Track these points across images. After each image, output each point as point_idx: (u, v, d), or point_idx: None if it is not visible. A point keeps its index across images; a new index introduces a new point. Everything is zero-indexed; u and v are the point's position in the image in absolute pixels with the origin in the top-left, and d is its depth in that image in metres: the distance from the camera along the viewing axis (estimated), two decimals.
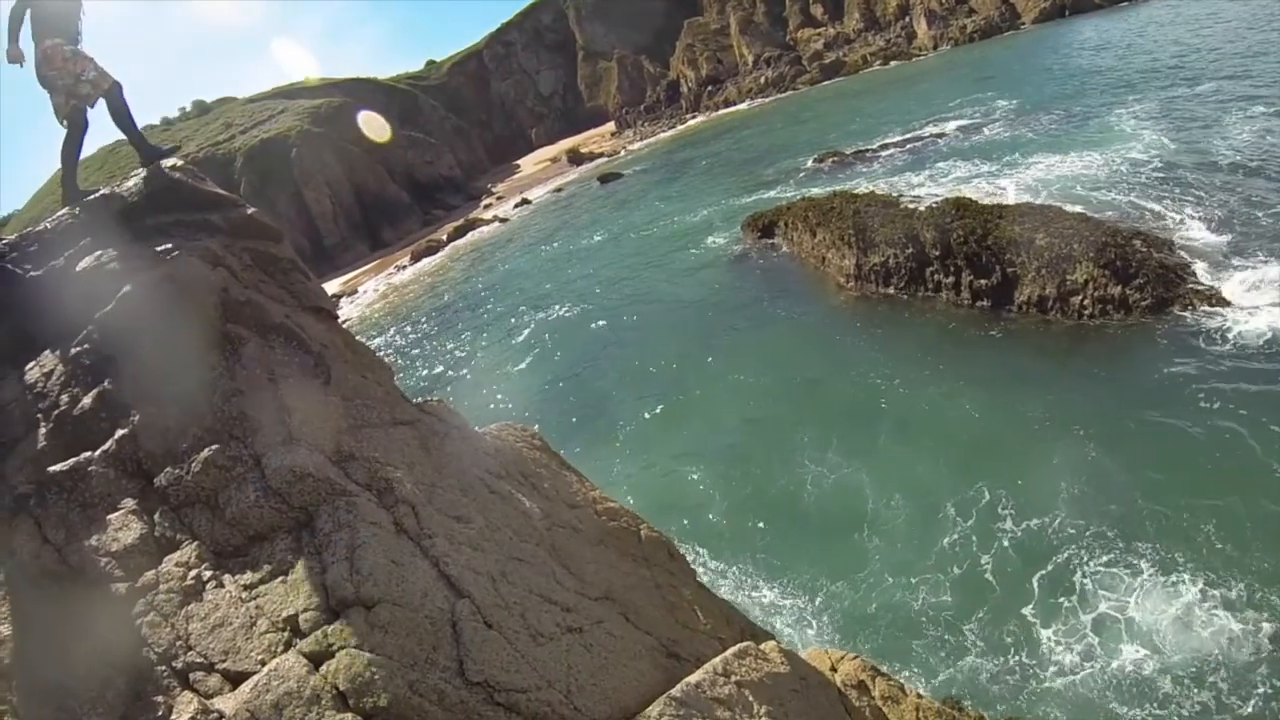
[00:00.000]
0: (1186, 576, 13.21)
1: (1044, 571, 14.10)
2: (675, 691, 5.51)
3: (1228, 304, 20.01)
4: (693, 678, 5.78)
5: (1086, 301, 21.77)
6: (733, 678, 5.94)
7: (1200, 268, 21.87)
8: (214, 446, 5.16)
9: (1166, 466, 15.55)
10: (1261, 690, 11.21)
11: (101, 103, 7.33)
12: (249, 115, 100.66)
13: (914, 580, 14.69)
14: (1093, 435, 16.91)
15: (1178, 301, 20.62)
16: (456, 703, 4.37)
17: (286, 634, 4.45)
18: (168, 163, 6.65)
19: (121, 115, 7.46)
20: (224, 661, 4.38)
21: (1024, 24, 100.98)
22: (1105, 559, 14.01)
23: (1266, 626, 11.99)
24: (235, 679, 4.32)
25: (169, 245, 5.92)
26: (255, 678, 4.23)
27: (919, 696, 9.24)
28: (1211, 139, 31.70)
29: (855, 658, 9.35)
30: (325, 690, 4.14)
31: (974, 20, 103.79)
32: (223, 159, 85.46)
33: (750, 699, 5.77)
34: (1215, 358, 18.15)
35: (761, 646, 6.66)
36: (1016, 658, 12.83)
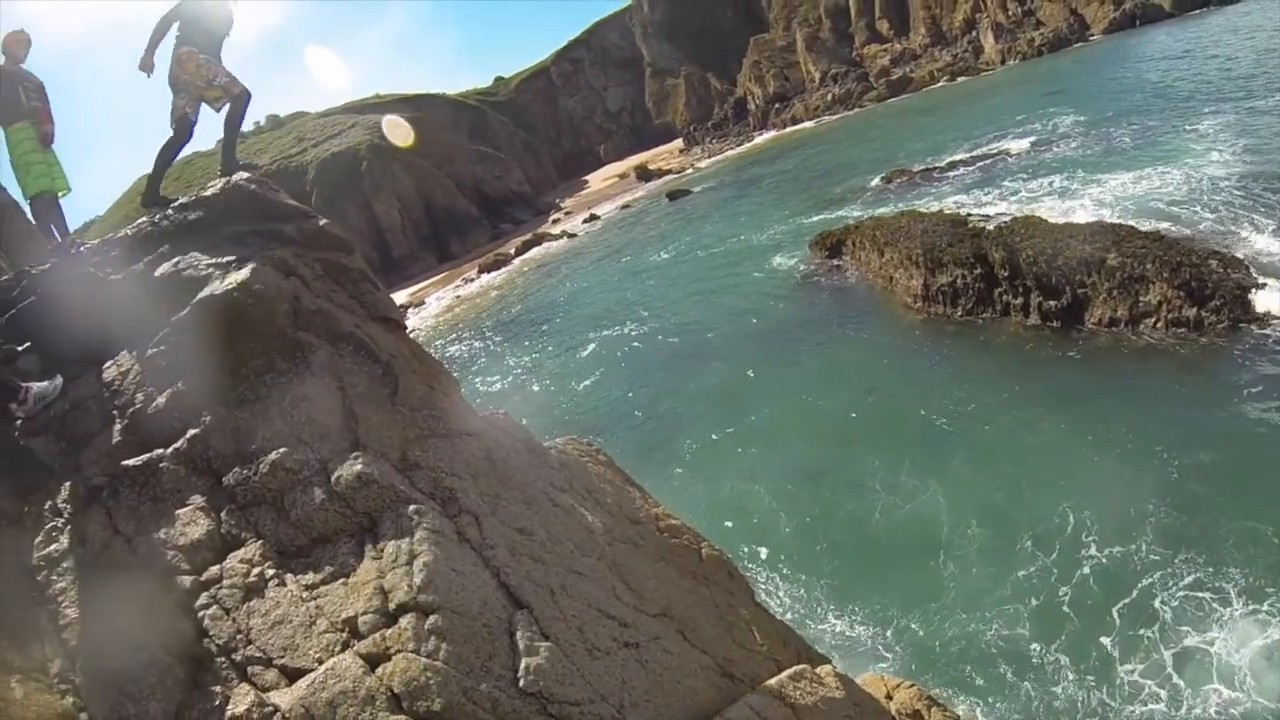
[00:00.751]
0: (1277, 608, 12.61)
1: (1126, 601, 13.53)
2: (730, 712, 5.46)
3: None
4: (747, 699, 5.72)
5: (1160, 324, 21.15)
6: (787, 700, 5.87)
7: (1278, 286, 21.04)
8: (282, 449, 5.28)
9: (1254, 490, 14.94)
10: None
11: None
12: (321, 129, 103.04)
13: (988, 611, 14.18)
14: (1176, 457, 16.29)
15: (1255, 321, 19.94)
16: (509, 711, 4.37)
17: (345, 635, 4.51)
18: (242, 175, 6.84)
19: (234, 121, 7.97)
20: (282, 657, 4.46)
21: (1093, 35, 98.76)
22: (1190, 588, 13.43)
23: None
24: (292, 675, 4.40)
25: (244, 254, 6.08)
26: (312, 675, 4.30)
27: None
28: None
29: (912, 685, 9.18)
30: (380, 691, 4.17)
31: (1041, 33, 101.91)
32: (295, 171, 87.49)
33: None
34: None
35: (817, 670, 6.57)
36: (1093, 694, 12.34)
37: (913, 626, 14.47)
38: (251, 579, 4.80)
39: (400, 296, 68.47)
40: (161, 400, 5.56)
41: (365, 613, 4.56)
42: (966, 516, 16.57)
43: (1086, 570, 14.40)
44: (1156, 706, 11.84)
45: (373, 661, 4.33)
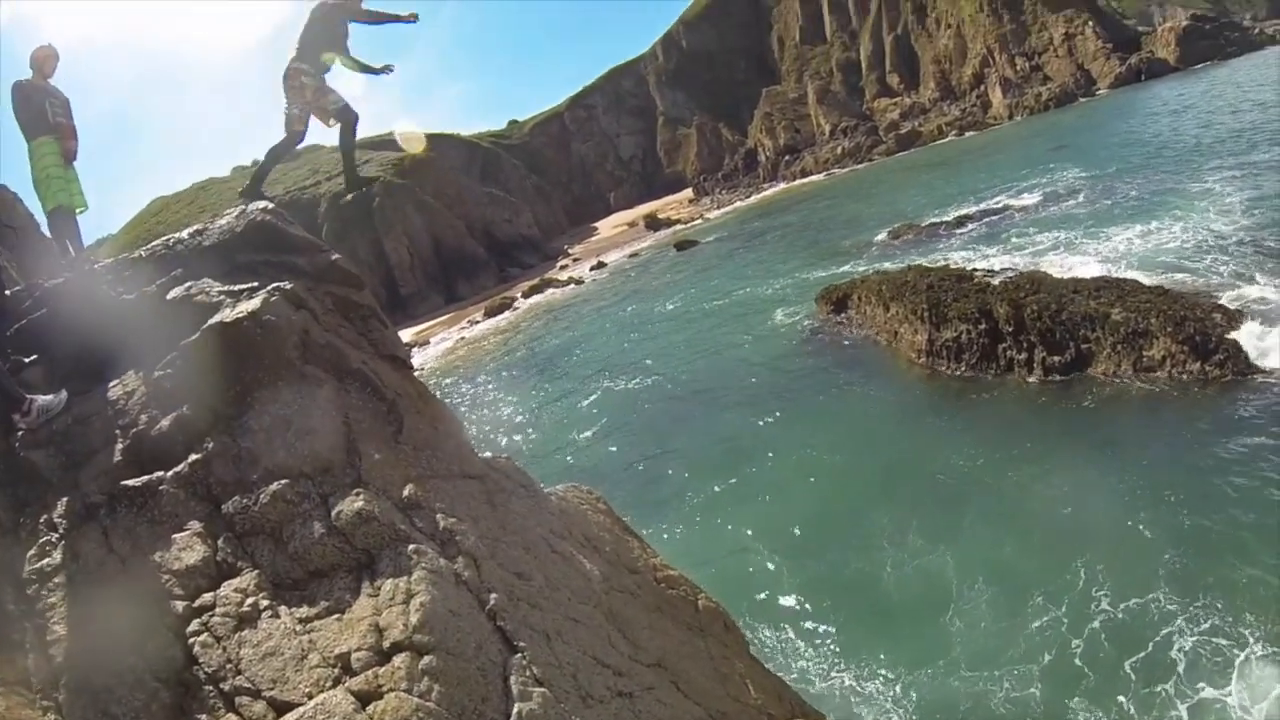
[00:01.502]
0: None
1: (1140, 655, 13.15)
2: None
3: None
4: None
5: (1163, 377, 21.17)
6: None
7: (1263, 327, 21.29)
8: (284, 481, 5.27)
9: (1265, 536, 14.72)
10: None
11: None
12: (334, 163, 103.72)
13: (998, 669, 13.78)
14: (1186, 506, 16.08)
15: (1260, 373, 19.89)
16: None
17: (337, 670, 4.46)
18: (259, 204, 6.91)
19: (346, 139, 8.37)
20: (272, 690, 4.40)
21: (1099, 90, 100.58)
22: (1205, 638, 13.12)
23: None
24: (280, 708, 4.34)
25: (255, 284, 6.13)
26: (301, 709, 4.24)
27: None
28: None
29: None
30: None
31: (1049, 88, 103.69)
32: (308, 203, 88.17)
33: None
34: None
35: None
36: None
37: (920, 684, 14.07)
38: (245, 608, 4.76)
39: (405, 335, 68.59)
40: (165, 423, 5.55)
41: (359, 649, 4.52)
42: (975, 572, 16.25)
43: (1099, 624, 14.07)
44: None
45: (364, 699, 4.28)
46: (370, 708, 4.22)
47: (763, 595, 17.53)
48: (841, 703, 13.83)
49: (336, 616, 4.75)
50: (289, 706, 4.32)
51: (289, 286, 6.19)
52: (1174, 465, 17.63)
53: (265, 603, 4.81)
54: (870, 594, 16.72)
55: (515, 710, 4.60)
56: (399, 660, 4.44)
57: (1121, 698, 12.59)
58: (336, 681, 4.40)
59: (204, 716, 4.31)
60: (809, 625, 16.21)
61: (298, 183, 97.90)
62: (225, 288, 6.10)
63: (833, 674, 14.79)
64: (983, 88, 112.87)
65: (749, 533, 20.04)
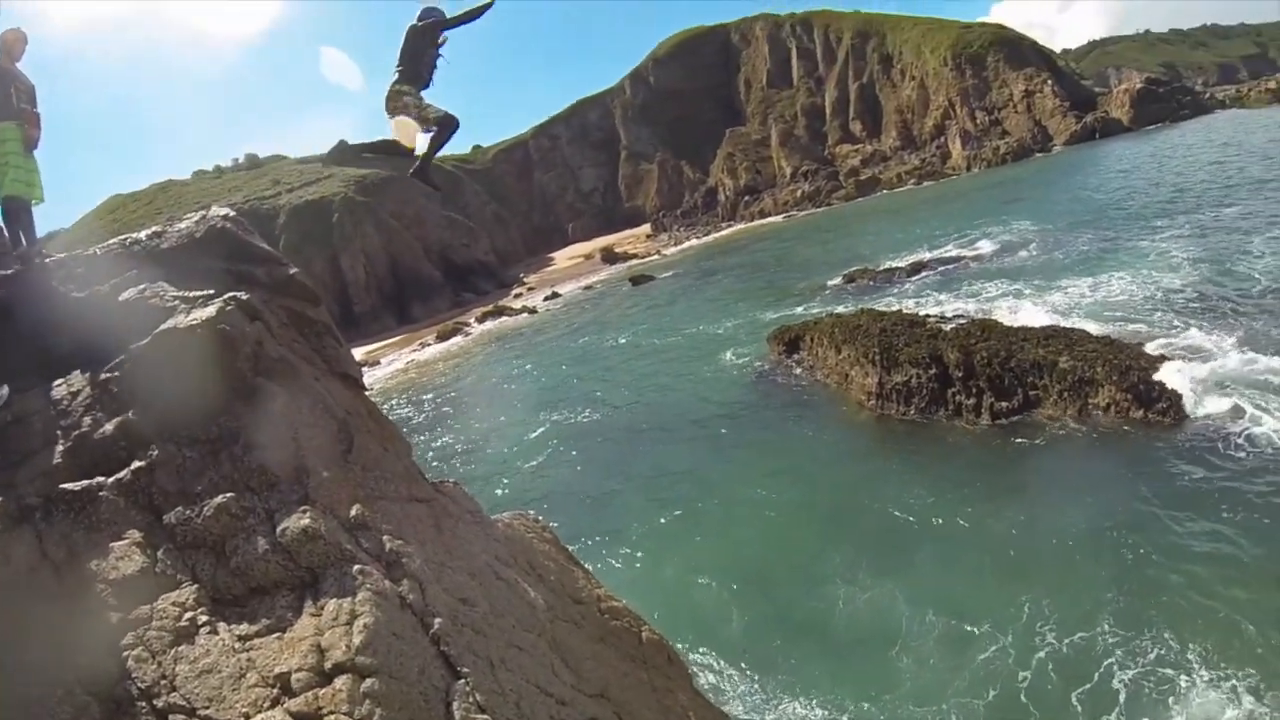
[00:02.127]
0: (1234, 684, 12.62)
1: (1085, 687, 13.36)
2: None
3: (1243, 414, 20.20)
4: None
5: (1107, 422, 21.88)
6: None
7: (1220, 380, 22.15)
8: (229, 494, 5.15)
9: (1203, 570, 15.34)
10: None
11: None
12: (297, 175, 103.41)
13: (946, 703, 13.83)
14: (1128, 542, 16.63)
15: (1200, 420, 20.69)
16: None
17: (276, 691, 4.34)
18: (220, 211, 6.79)
19: (439, 141, 8.38)
20: (207, 708, 4.27)
21: (1055, 146, 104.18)
22: (1148, 670, 13.44)
23: None
24: None
25: (211, 291, 6.01)
26: None
27: None
28: (1238, 263, 32.27)
29: None
30: None
31: (1007, 142, 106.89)
32: (267, 214, 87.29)
33: None
34: (1238, 462, 18.41)
35: None
36: None
37: (869, 718, 14.15)
38: (183, 623, 4.62)
39: (357, 353, 67.06)
40: (109, 427, 5.40)
41: (299, 670, 4.40)
42: (924, 608, 16.34)
43: (1044, 656, 14.27)
44: None
45: None
46: None
47: (707, 629, 17.45)
48: None
49: (277, 635, 4.63)
50: None
51: (245, 297, 6.07)
52: (1116, 504, 18.18)
53: (204, 618, 4.68)
54: (818, 629, 16.77)
55: None
56: (340, 682, 4.34)
57: None
58: (275, 702, 4.28)
59: None
60: (755, 660, 16.16)
61: (258, 192, 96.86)
62: (180, 293, 5.95)
63: (779, 708, 14.76)
64: (943, 139, 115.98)
65: (695, 568, 19.97)
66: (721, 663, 16.19)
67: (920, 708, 13.92)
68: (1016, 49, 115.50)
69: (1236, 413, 20.43)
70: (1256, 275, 30.15)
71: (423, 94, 8.28)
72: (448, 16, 8.42)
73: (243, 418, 5.59)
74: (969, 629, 15.44)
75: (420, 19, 8.33)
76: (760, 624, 17.33)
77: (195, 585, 4.83)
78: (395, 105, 8.18)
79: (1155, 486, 18.52)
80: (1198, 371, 22.71)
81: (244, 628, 4.67)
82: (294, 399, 6.05)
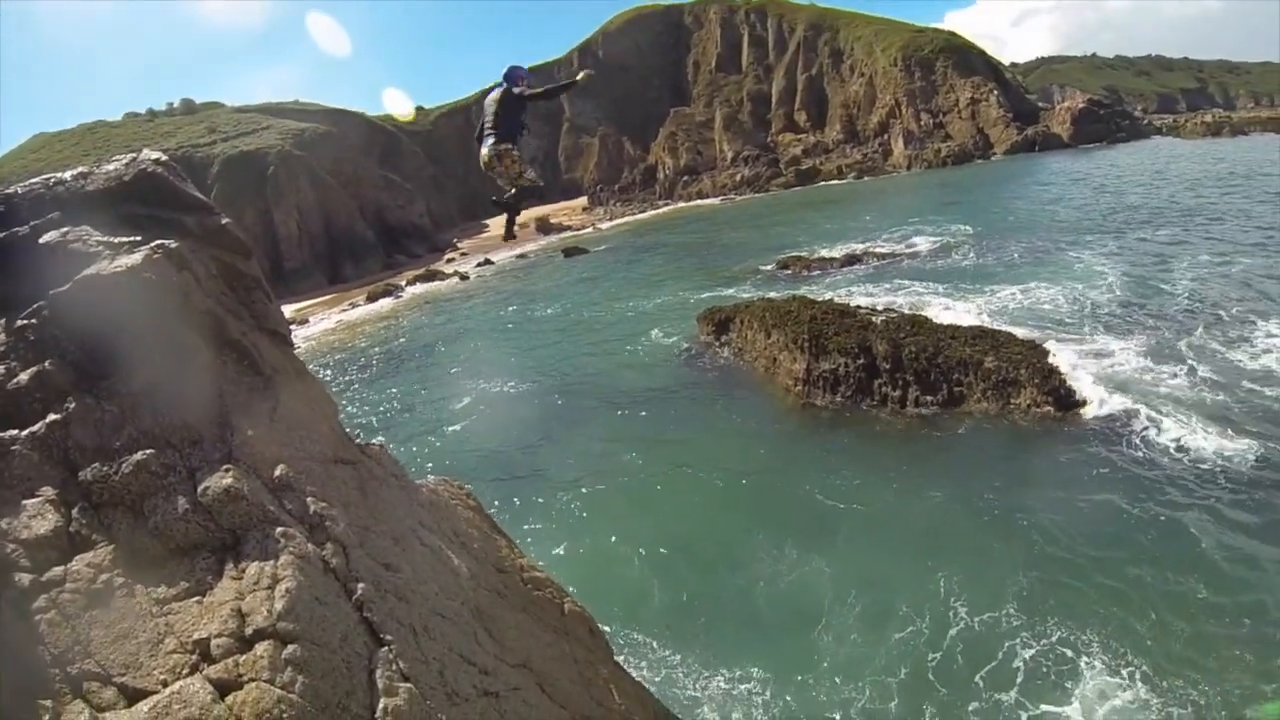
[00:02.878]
0: (1129, 667, 13.55)
1: (990, 666, 14.07)
2: None
3: (1145, 418, 21.72)
4: None
5: (1027, 419, 22.97)
6: None
7: (1129, 386, 23.64)
8: (149, 451, 4.95)
9: (1108, 556, 16.43)
10: None
11: None
12: (234, 124, 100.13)
13: (861, 680, 14.42)
14: (1037, 530, 17.62)
15: (1115, 419, 22.03)
16: None
17: (195, 657, 4.21)
18: (151, 155, 6.47)
19: (524, 195, 9.58)
20: (123, 675, 4.11)
21: (995, 154, 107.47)
22: (1050, 651, 14.22)
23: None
24: (133, 696, 4.05)
25: (138, 238, 5.73)
26: (155, 698, 3.98)
27: None
28: (1159, 283, 34.05)
29: None
30: None
31: (949, 145, 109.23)
32: (200, 162, 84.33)
33: None
34: (1139, 460, 19.90)
35: None
36: None
37: (787, 694, 14.51)
38: (97, 585, 4.42)
39: (286, 311, 65.69)
40: (24, 378, 5.11)
41: (219, 635, 4.28)
42: (846, 588, 16.91)
43: (955, 635, 14.97)
44: None
45: (223, 689, 4.05)
46: (230, 698, 4.00)
47: (629, 604, 17.65)
48: (709, 710, 14.14)
49: (197, 599, 4.48)
50: (142, 694, 4.04)
51: (174, 245, 5.80)
52: (1029, 495, 19.23)
53: (120, 580, 4.48)
54: (740, 606, 17.15)
55: (381, 705, 4.44)
56: (261, 649, 4.23)
57: (971, 708, 13.39)
58: (194, 669, 4.15)
59: (48, 702, 3.95)
60: (677, 635, 16.43)
61: (192, 139, 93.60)
62: (105, 239, 5.63)
63: (699, 683, 15.04)
64: (886, 136, 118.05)
65: (618, 543, 20.07)
66: (643, 637, 16.37)
67: (837, 684, 14.41)
68: (966, 57, 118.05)
69: (1139, 416, 21.82)
70: (1176, 294, 32.10)
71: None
72: (543, 89, 9.27)
73: (166, 371, 5.35)
74: (887, 608, 16.05)
75: (508, 80, 9.21)
76: (682, 600, 17.60)
77: (111, 546, 4.63)
78: (499, 163, 9.01)
79: (1065, 479, 19.62)
80: (1111, 378, 24.04)
81: (162, 591, 4.51)
82: (219, 353, 5.86)
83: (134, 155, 6.33)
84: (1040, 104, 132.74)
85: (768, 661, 15.23)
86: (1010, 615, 15.18)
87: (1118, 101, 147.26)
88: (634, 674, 10.18)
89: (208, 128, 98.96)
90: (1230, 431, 20.63)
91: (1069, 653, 14.09)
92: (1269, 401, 22.15)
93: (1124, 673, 13.43)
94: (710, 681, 15.03)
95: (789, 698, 14.38)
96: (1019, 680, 13.71)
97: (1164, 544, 16.65)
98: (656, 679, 14.63)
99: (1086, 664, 13.80)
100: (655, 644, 16.18)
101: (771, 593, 17.34)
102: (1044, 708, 13.14)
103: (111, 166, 6.21)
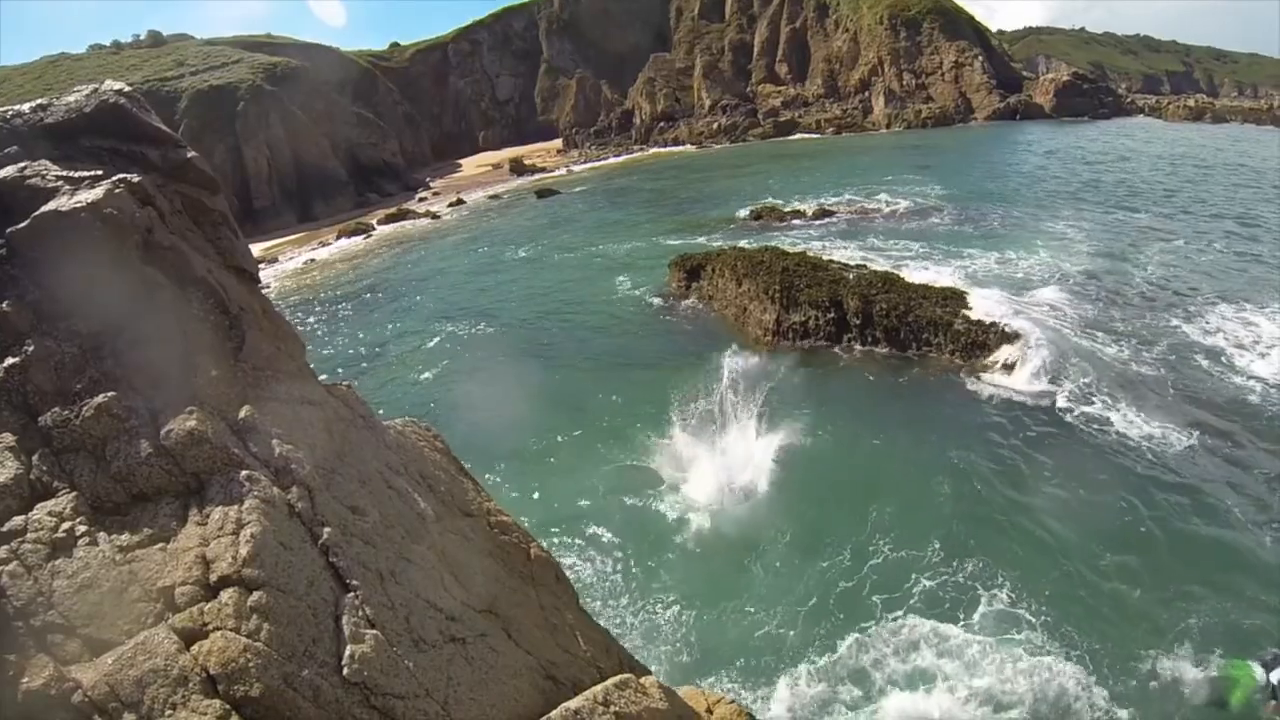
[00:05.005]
0: (1023, 609, 14.72)
1: (893, 596, 15.33)
2: (555, 715, 5.42)
3: (1097, 392, 22.47)
4: (572, 704, 5.68)
5: (989, 379, 23.77)
6: (611, 708, 5.86)
7: (1087, 360, 24.20)
8: (110, 394, 4.82)
9: (1032, 509, 17.84)
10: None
11: None
12: (203, 58, 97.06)
13: (779, 608, 15.38)
14: (977, 479, 19.01)
15: (1068, 381, 23.04)
16: (331, 701, 4.15)
17: (159, 606, 4.15)
18: (114, 85, 6.23)
19: None
20: (87, 627, 4.03)
21: (976, 119, 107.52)
22: (956, 584, 15.50)
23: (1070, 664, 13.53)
24: (98, 647, 3.98)
25: (99, 172, 5.53)
26: (120, 649, 3.92)
27: None
28: (1131, 265, 34.80)
29: (731, 702, 9.38)
30: (194, 672, 3.87)
31: (930, 107, 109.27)
32: (167, 97, 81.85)
33: None
34: (1079, 430, 21.15)
35: (641, 680, 6.59)
36: (850, 686, 13.52)
37: (706, 620, 15.42)
38: (60, 534, 4.32)
39: (255, 250, 64.33)
40: None
41: (184, 583, 4.22)
42: (782, 521, 18.06)
43: (872, 567, 16.27)
44: (910, 691, 13.20)
45: (188, 638, 4.01)
46: (195, 648, 3.95)
47: (592, 550, 17.97)
48: (637, 638, 14.95)
49: (161, 546, 4.40)
50: (107, 646, 3.97)
51: (136, 180, 5.59)
52: (974, 449, 20.38)
53: (83, 528, 4.38)
54: (689, 544, 17.93)
55: (348, 652, 4.43)
56: (226, 596, 4.18)
57: (871, 625, 14.78)
58: (159, 618, 4.09)
59: (12, 656, 3.86)
60: (635, 577, 16.96)
61: (159, 73, 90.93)
62: (65, 173, 5.40)
63: (643, 620, 15.76)
64: (867, 94, 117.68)
65: (582, 488, 20.37)
66: (607, 584, 16.72)
67: (758, 611, 15.43)
68: (954, 21, 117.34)
69: (1090, 389, 22.68)
70: (1145, 272, 33.44)
71: None
72: None
73: (128, 310, 5.20)
74: (817, 540, 17.24)
75: None
76: (639, 542, 18.14)
77: (73, 493, 4.53)
78: None
79: (1011, 438, 20.80)
80: (1071, 350, 24.55)
81: (125, 538, 4.42)
82: (184, 291, 5.70)
83: (95, 86, 6.09)
84: (1025, 74, 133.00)
85: (704, 592, 16.20)
86: (930, 552, 16.30)
87: (1103, 78, 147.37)
88: (601, 621, 10.30)
89: (176, 61, 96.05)
90: (1173, 406, 21.82)
91: (977, 588, 15.19)
92: (1211, 380, 23.42)
93: (1019, 613, 14.55)
94: (643, 610, 15.91)
95: (708, 623, 15.31)
96: (918, 605, 14.96)
97: (1089, 505, 17.78)
98: (616, 621, 15.21)
99: (986, 601, 14.87)
100: (613, 587, 16.72)
101: (716, 529, 18.23)
102: (941, 627, 14.33)
103: (72, 98, 5.95)
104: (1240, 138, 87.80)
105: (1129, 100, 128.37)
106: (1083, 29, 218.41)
